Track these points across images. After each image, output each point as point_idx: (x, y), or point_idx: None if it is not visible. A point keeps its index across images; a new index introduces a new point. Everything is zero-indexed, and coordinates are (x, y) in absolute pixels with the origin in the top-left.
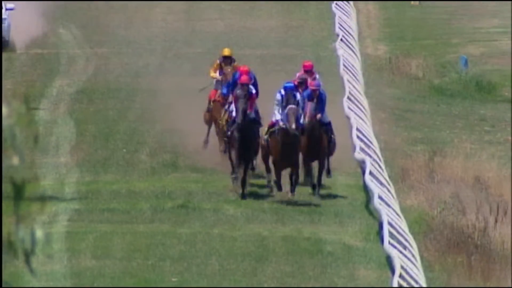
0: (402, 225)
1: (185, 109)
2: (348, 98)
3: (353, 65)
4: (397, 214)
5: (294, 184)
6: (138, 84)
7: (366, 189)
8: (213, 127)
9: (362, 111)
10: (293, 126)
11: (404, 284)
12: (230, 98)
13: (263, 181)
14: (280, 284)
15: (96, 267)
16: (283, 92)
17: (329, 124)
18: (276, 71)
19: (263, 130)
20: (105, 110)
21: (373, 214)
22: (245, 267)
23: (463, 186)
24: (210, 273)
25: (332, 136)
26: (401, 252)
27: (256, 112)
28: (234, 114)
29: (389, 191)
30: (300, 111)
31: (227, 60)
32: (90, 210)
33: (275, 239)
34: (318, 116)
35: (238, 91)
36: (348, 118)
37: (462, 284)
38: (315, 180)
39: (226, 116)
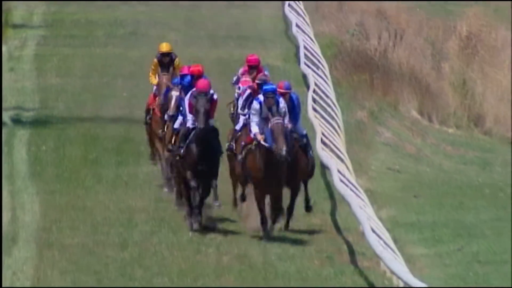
0: (316, 48)
1: None
2: None
3: None
4: (312, 40)
5: (275, 218)
6: None
7: (285, 19)
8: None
9: None
10: (284, 151)
11: (318, 98)
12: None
13: None
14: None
15: (59, 83)
16: (261, 98)
17: (305, 136)
18: None
19: (236, 147)
20: None
21: (292, 40)
22: None
23: (367, 16)
24: None
25: (310, 151)
26: (314, 71)
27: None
28: (189, 123)
29: (304, 20)
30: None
31: (166, 57)
32: (54, 36)
33: (210, 61)
34: (289, 126)
35: (195, 99)
36: None
37: (365, 98)
38: (284, 213)
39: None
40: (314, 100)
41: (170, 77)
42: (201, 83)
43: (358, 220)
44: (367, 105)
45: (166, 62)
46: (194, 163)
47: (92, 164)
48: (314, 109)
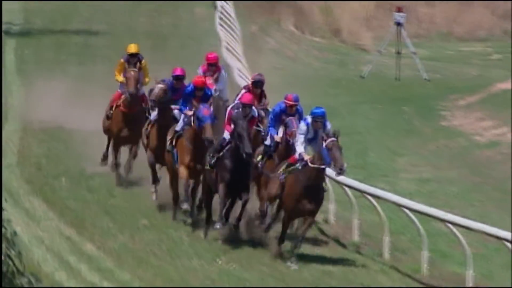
0: None
1: None
2: None
3: None
4: None
5: (301, 240)
6: None
7: None
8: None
9: None
10: (344, 167)
11: (223, 16)
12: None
13: None
14: (154, 16)
15: (38, 5)
16: (310, 120)
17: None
18: None
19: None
20: None
21: None
22: None
23: None
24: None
25: None
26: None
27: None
28: (226, 136)
29: None
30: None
31: (133, 58)
32: None
33: None
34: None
35: (236, 114)
36: None
37: (257, 16)
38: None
39: (154, 135)
40: (220, 18)
41: (138, 72)
42: (246, 97)
43: None
44: (258, 21)
45: (133, 63)
46: (227, 177)
47: (62, 63)
48: (220, 24)
